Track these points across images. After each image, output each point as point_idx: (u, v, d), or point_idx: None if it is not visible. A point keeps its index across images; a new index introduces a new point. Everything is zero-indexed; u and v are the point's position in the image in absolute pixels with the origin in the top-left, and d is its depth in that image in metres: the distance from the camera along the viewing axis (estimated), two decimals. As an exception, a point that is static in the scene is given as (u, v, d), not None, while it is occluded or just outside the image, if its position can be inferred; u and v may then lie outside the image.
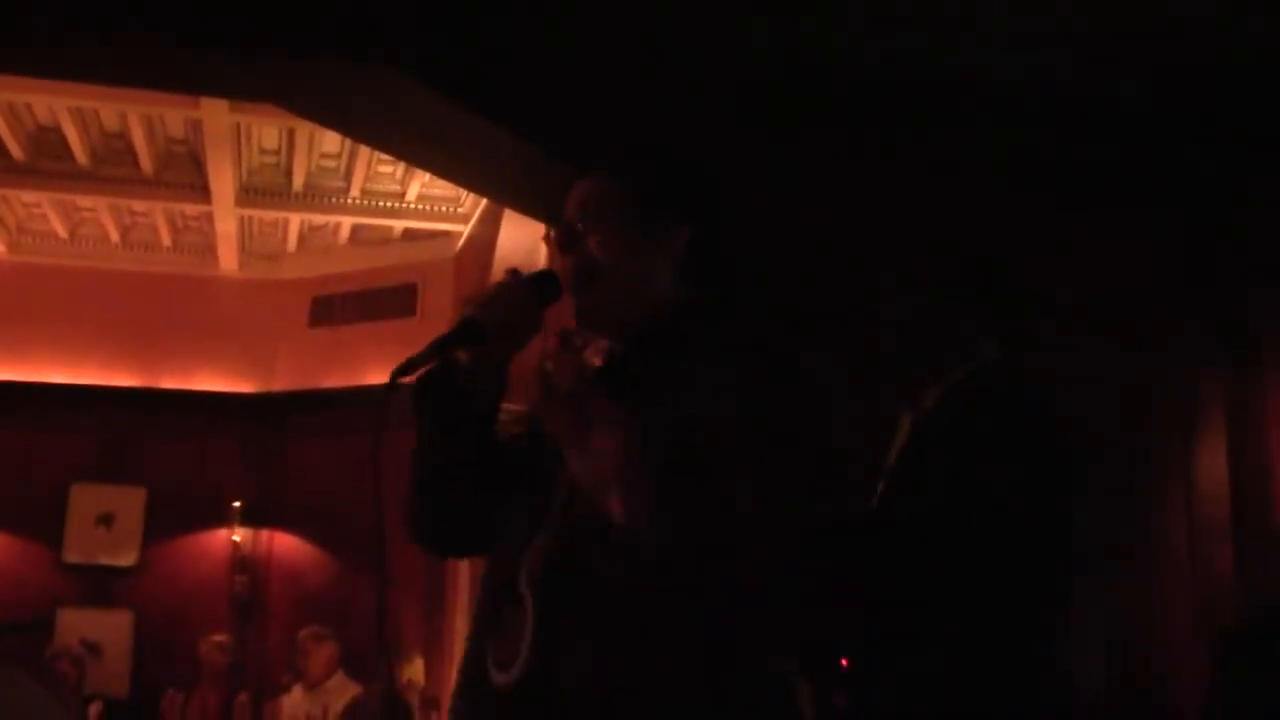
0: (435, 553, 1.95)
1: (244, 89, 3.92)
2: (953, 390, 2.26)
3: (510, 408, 1.85)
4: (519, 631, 1.61)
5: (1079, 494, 2.18)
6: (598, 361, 1.78)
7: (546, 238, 1.82)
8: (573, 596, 1.61)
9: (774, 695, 1.68)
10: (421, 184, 6.84)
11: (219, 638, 7.02)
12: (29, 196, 7.26)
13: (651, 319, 1.74)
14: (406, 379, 1.73)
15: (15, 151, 6.47)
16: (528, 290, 1.74)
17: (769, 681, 1.68)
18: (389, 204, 7.08)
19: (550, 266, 1.82)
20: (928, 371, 2.30)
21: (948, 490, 2.12)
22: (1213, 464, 4.00)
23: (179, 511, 7.74)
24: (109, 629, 7.53)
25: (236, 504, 7.68)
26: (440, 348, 1.71)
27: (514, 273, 1.78)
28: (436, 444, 1.78)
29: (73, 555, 7.66)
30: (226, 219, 7.22)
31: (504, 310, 1.71)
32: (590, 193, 1.79)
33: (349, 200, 7.01)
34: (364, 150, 6.27)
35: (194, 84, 4.10)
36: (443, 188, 6.81)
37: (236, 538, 7.71)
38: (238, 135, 6.26)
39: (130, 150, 6.51)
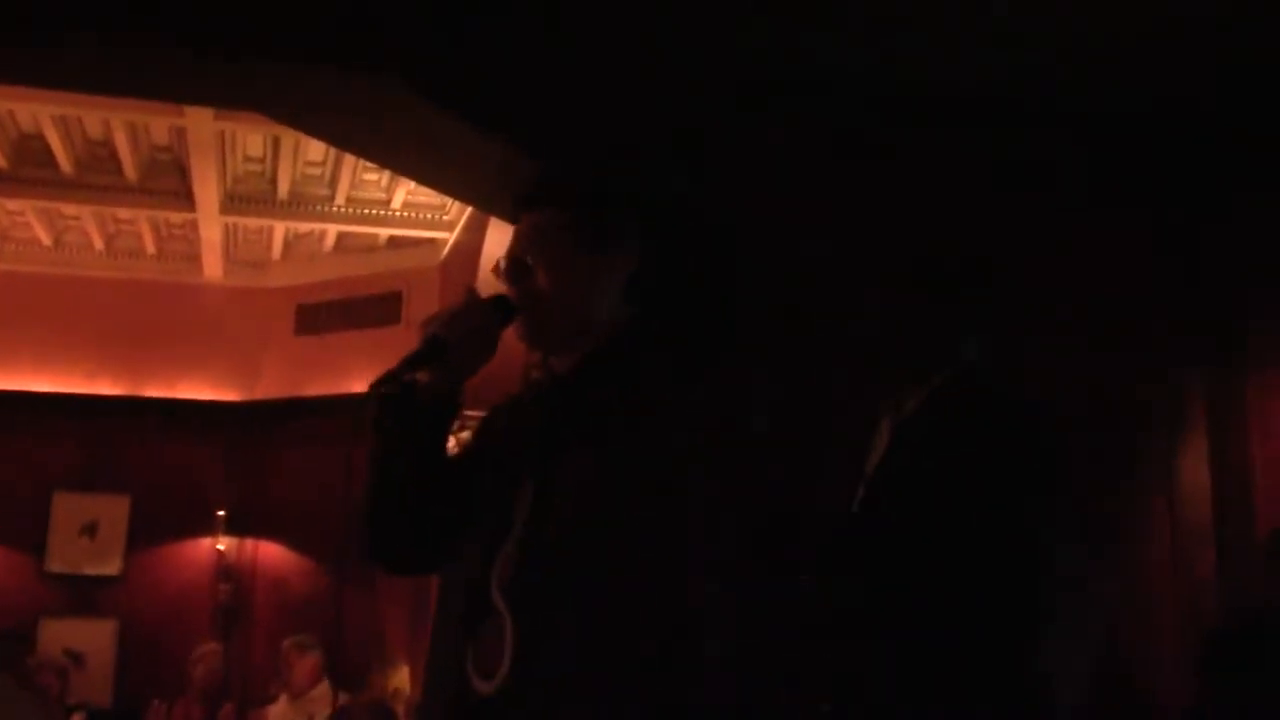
0: (387, 569, 2.02)
1: (232, 97, 3.92)
2: (934, 394, 2.26)
3: (470, 414, 1.90)
4: (498, 640, 1.66)
5: (1061, 496, 2.19)
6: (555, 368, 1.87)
7: (496, 270, 1.90)
8: (549, 603, 1.66)
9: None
10: (407, 192, 6.83)
11: (209, 647, 6.97)
12: (13, 204, 7.22)
13: (598, 342, 1.82)
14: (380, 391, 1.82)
15: (-1, 159, 6.45)
16: (487, 312, 1.83)
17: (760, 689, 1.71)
18: (374, 212, 7.07)
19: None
20: (910, 373, 2.31)
21: (929, 496, 2.12)
22: (1195, 467, 4.02)
23: (163, 520, 7.72)
24: (92, 638, 7.49)
25: (221, 512, 7.65)
26: (412, 364, 1.79)
27: (472, 293, 1.87)
28: (390, 460, 1.84)
29: (56, 564, 7.62)
30: (211, 227, 7.20)
31: (465, 330, 1.81)
32: (535, 225, 1.88)
33: (334, 208, 7.00)
34: (349, 158, 6.27)
35: (180, 92, 4.09)
36: (428, 195, 6.81)
37: (221, 546, 7.68)
38: (222, 143, 6.25)
39: (114, 158, 6.49)
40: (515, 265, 1.86)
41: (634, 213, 1.90)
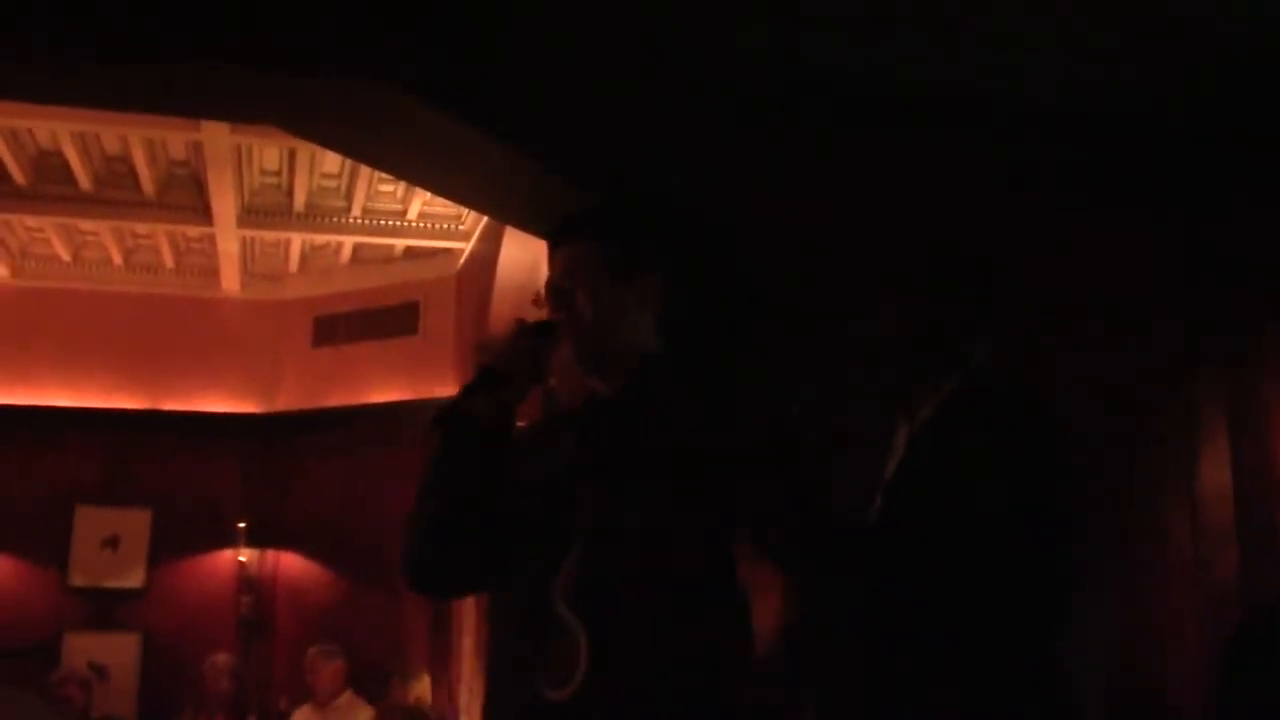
0: (430, 592, 2.12)
1: (243, 110, 3.94)
2: (948, 401, 2.26)
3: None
4: (570, 649, 1.75)
5: (1076, 496, 2.19)
6: (599, 389, 1.98)
7: (536, 299, 2.02)
8: (620, 612, 1.76)
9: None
10: (423, 202, 6.86)
11: (221, 658, 6.99)
12: (32, 221, 7.28)
13: (634, 365, 1.92)
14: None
15: (18, 176, 6.49)
16: (535, 339, 1.94)
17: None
18: (390, 223, 7.10)
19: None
20: (921, 377, 2.30)
21: (950, 501, 2.12)
22: (1215, 467, 4.00)
23: (184, 533, 7.75)
24: (116, 651, 7.53)
25: (242, 524, 7.68)
26: (469, 395, 1.91)
27: (521, 322, 1.97)
28: (451, 489, 1.92)
29: (78, 578, 7.66)
30: (228, 240, 7.25)
31: (516, 357, 1.92)
32: (571, 257, 1.98)
33: (350, 220, 7.03)
34: (365, 169, 6.30)
35: (192, 106, 4.11)
36: (444, 206, 6.83)
37: (242, 558, 7.71)
38: (239, 157, 6.29)
39: (132, 173, 6.54)
40: (556, 293, 1.96)
41: (660, 242, 2.00)
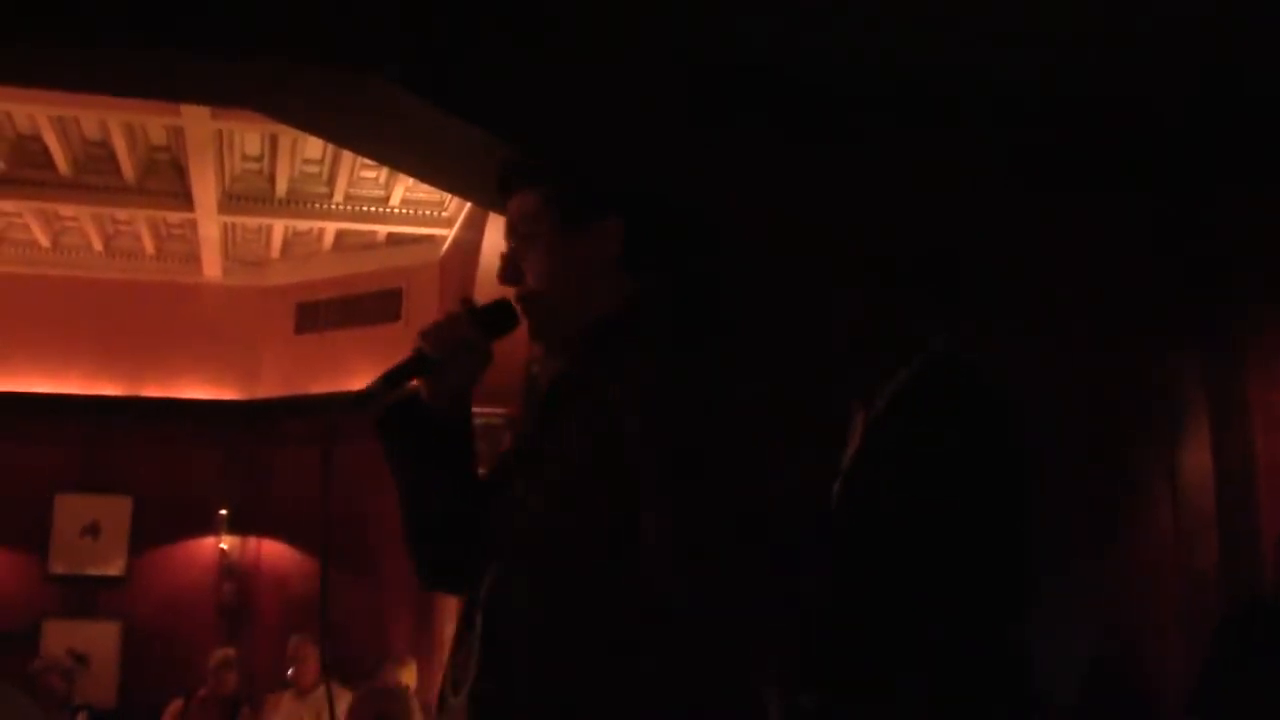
0: (445, 591, 1.96)
1: (228, 96, 3.91)
2: (904, 389, 2.26)
3: (497, 411, 1.88)
4: (469, 652, 1.64)
5: (1032, 481, 2.18)
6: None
7: (499, 274, 1.79)
8: (513, 609, 1.62)
9: (737, 698, 1.66)
10: (405, 189, 6.83)
11: (228, 653, 6.90)
12: (10, 206, 7.23)
13: (601, 324, 1.71)
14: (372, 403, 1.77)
15: (-4, 161, 6.45)
16: (474, 324, 1.74)
17: (731, 685, 1.65)
18: (373, 209, 7.07)
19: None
20: (881, 369, 2.30)
21: (902, 489, 2.12)
22: (1197, 457, 4.02)
23: (165, 520, 7.72)
24: (96, 639, 7.50)
25: (223, 511, 7.66)
26: (392, 379, 1.73)
27: (465, 302, 1.79)
28: (409, 478, 1.80)
29: (59, 566, 7.64)
30: (210, 226, 7.20)
31: (451, 343, 1.72)
32: (516, 210, 1.76)
33: (332, 206, 7.00)
34: (347, 155, 6.26)
35: (177, 91, 4.09)
36: (427, 192, 6.80)
37: (224, 545, 7.69)
38: (220, 142, 6.25)
39: (112, 158, 6.49)
40: (508, 265, 1.76)
41: (609, 181, 1.78)
